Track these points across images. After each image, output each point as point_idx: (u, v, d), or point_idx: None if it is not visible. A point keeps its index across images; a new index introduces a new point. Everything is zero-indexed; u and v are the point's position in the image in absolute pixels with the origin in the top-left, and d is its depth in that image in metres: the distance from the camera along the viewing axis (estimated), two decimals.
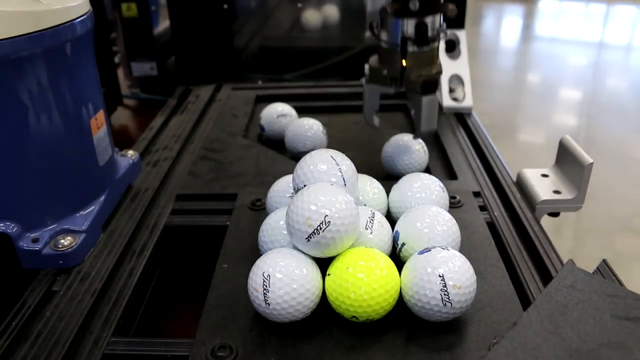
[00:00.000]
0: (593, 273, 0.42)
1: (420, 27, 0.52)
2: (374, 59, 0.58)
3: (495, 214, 0.54)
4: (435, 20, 0.53)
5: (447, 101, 0.80)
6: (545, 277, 0.45)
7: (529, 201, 0.56)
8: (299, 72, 1.07)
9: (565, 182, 0.57)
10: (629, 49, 2.57)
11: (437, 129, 0.56)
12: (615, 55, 2.47)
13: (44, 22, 0.42)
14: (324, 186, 0.40)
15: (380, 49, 0.56)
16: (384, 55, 0.56)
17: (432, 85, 0.54)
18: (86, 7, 0.49)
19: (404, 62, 0.54)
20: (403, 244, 0.43)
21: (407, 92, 0.56)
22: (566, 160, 0.57)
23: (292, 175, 0.46)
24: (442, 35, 0.55)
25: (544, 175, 0.59)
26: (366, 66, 0.58)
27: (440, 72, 0.55)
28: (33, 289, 0.44)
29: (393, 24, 0.54)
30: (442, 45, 0.82)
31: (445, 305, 0.37)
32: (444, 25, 0.55)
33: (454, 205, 0.53)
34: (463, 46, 0.82)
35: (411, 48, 0.54)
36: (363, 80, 0.58)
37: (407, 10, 0.52)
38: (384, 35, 0.55)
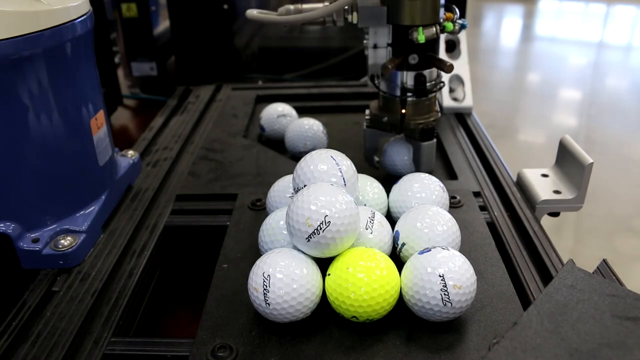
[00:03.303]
0: (593, 273, 0.42)
1: (419, 79, 0.55)
2: (374, 105, 0.60)
3: (495, 213, 0.54)
4: (432, 72, 0.55)
5: (447, 101, 0.80)
6: (545, 277, 0.45)
7: (529, 201, 0.56)
8: (299, 72, 1.07)
9: (565, 182, 0.57)
10: (628, 49, 2.57)
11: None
12: (615, 55, 2.47)
13: (44, 22, 0.42)
14: (324, 186, 0.40)
15: (380, 96, 0.58)
16: (384, 103, 0.58)
17: (430, 132, 0.56)
18: (86, 7, 0.49)
19: (403, 111, 0.56)
20: (403, 244, 0.43)
21: (407, 137, 0.59)
22: (566, 160, 0.57)
23: (292, 175, 0.46)
24: (440, 85, 0.57)
25: (544, 175, 0.59)
26: (366, 111, 0.60)
27: (437, 120, 0.57)
28: (33, 289, 0.44)
29: (393, 76, 0.56)
30: (442, 46, 0.82)
31: (445, 305, 0.37)
32: (442, 76, 0.57)
33: (454, 205, 0.53)
34: (463, 46, 0.82)
35: (410, 98, 0.56)
36: (364, 125, 0.60)
37: (407, 64, 0.54)
38: (383, 86, 0.57)
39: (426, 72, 0.55)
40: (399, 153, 0.60)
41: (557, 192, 0.56)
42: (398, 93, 0.56)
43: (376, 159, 0.62)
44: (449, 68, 0.52)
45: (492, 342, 0.37)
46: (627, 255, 1.08)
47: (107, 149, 0.54)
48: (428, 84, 0.55)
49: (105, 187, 0.53)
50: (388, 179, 0.55)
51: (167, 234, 0.53)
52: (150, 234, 0.52)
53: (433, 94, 0.56)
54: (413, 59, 0.53)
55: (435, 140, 0.57)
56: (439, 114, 0.58)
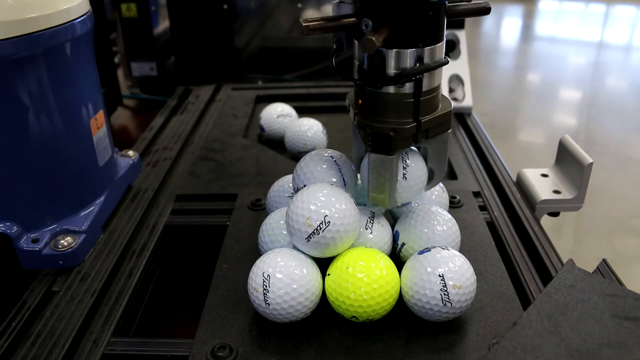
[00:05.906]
0: (593, 273, 0.42)
1: (373, 61, 0.36)
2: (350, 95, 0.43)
3: (495, 214, 0.54)
4: (405, 55, 0.36)
5: None
6: (545, 277, 0.45)
7: (528, 201, 0.56)
8: (299, 72, 1.07)
9: (565, 182, 0.57)
10: (628, 49, 2.57)
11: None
12: (615, 55, 2.47)
13: (43, 23, 0.42)
14: (324, 186, 0.40)
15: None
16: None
17: (385, 141, 0.37)
18: (86, 7, 0.49)
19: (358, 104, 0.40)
20: (403, 244, 0.43)
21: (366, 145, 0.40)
22: (566, 160, 0.57)
23: (292, 175, 0.46)
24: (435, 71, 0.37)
25: (544, 175, 0.59)
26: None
27: (412, 129, 0.37)
28: (33, 289, 0.44)
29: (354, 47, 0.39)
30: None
31: (445, 305, 0.37)
32: (446, 58, 0.38)
33: (454, 205, 0.53)
34: (463, 46, 0.82)
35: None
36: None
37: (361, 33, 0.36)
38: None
39: (392, 52, 0.36)
40: (364, 168, 0.42)
41: (556, 192, 0.56)
42: (355, 76, 0.39)
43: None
44: (370, 44, 0.33)
45: (492, 342, 0.37)
46: (627, 255, 1.08)
47: (107, 149, 0.54)
48: (393, 70, 0.36)
49: (105, 187, 0.53)
50: None
51: (167, 234, 0.53)
52: (150, 234, 0.52)
53: (401, 83, 0.37)
54: (365, 24, 0.35)
55: (395, 157, 0.38)
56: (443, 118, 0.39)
